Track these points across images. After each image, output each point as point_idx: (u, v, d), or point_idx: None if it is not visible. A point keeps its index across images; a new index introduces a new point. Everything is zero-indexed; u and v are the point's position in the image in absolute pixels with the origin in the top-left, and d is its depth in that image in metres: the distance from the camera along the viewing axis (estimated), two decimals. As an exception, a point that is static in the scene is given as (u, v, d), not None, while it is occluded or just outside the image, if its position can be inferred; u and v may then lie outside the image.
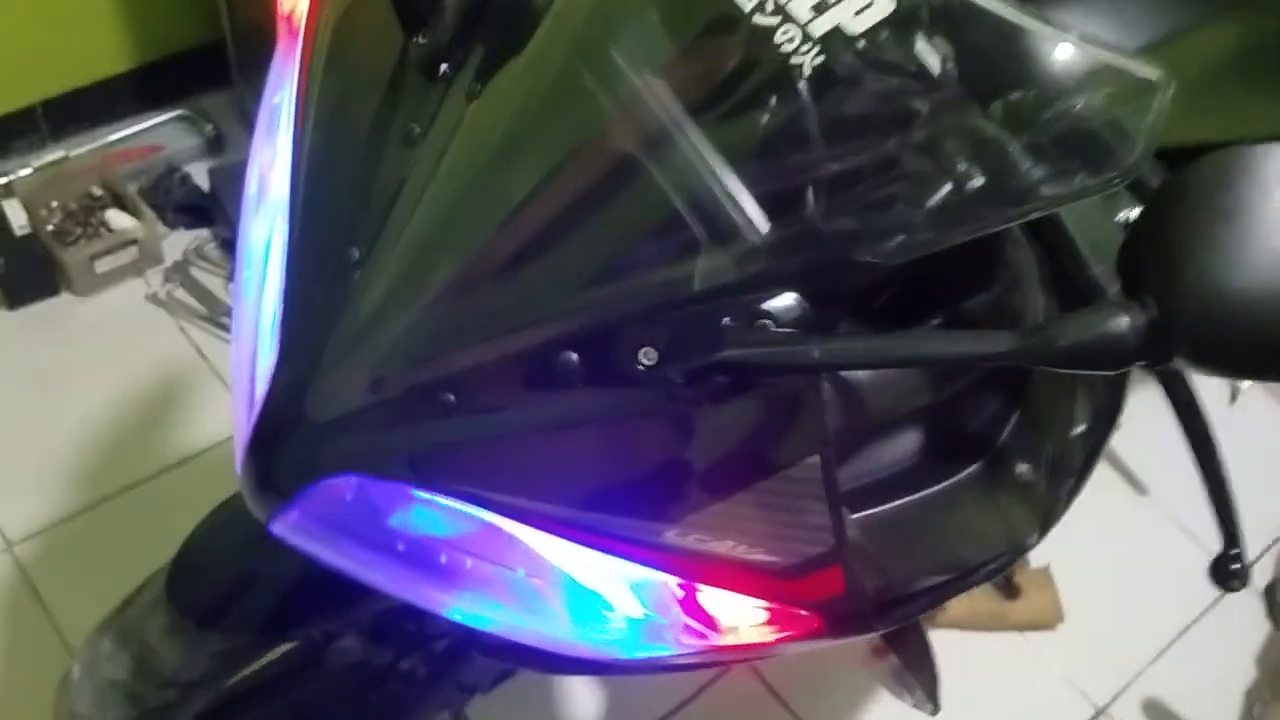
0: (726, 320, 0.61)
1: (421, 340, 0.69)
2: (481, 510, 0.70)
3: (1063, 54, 0.59)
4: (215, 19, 1.99)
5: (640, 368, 0.63)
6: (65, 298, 1.89)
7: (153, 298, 1.91)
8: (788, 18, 0.61)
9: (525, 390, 0.68)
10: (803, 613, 0.67)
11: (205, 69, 2.09)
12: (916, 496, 0.76)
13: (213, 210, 2.00)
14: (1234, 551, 0.83)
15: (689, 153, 0.65)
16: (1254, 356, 0.51)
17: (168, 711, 1.00)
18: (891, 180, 0.66)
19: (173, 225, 1.99)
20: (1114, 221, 0.71)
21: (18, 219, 1.83)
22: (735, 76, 0.66)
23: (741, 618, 0.69)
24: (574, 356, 0.66)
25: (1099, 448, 0.86)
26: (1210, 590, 1.83)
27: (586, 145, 0.68)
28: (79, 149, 1.99)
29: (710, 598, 0.69)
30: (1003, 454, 0.79)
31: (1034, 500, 0.80)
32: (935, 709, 1.05)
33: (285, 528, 0.75)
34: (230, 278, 1.95)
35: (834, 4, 0.62)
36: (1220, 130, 0.77)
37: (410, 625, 1.23)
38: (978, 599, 1.64)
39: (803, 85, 0.64)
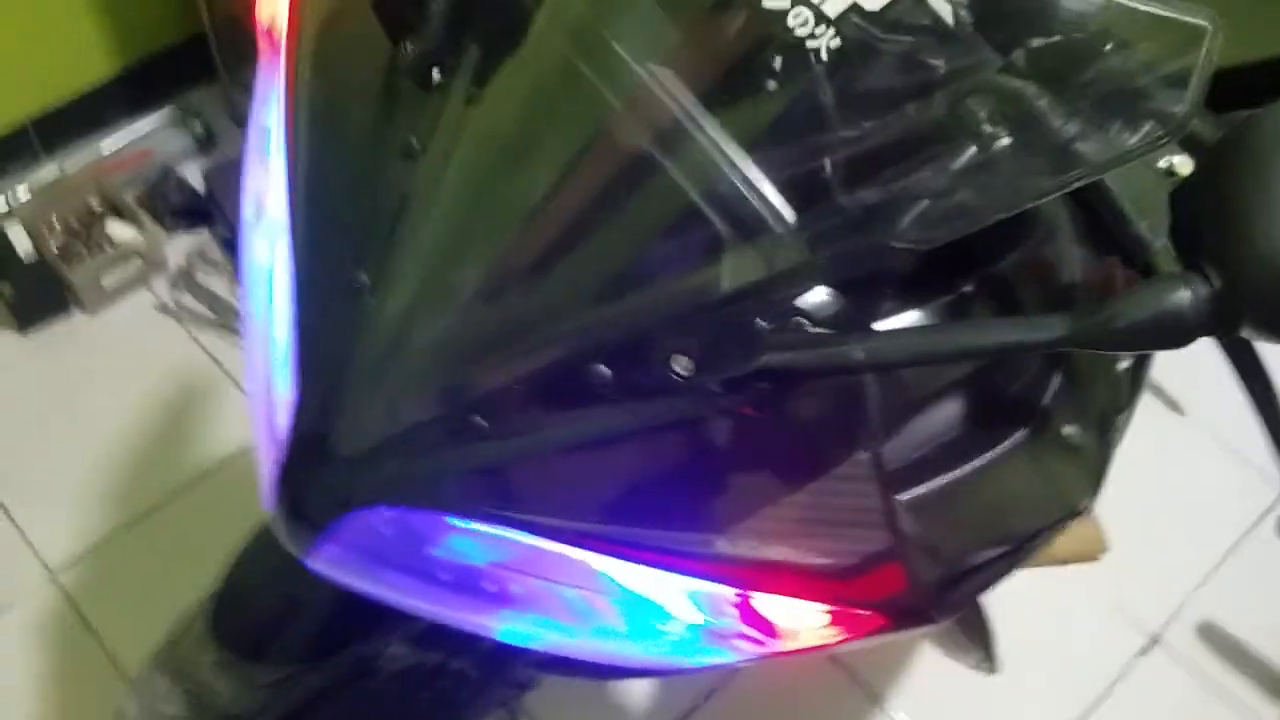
0: (761, 323, 0.58)
1: (445, 364, 0.67)
2: (523, 534, 0.68)
3: (1100, 6, 0.56)
4: (194, 14, 1.95)
5: (675, 377, 0.61)
6: (75, 316, 1.87)
7: (161, 307, 1.89)
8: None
9: (557, 407, 0.66)
10: (864, 612, 0.65)
11: (189, 65, 2.04)
12: (963, 470, 0.73)
13: (211, 210, 1.97)
14: None
15: (705, 145, 0.62)
16: None
17: (225, 743, 0.99)
18: (921, 155, 0.63)
19: (172, 229, 1.96)
20: (1155, 170, 0.67)
21: (22, 243, 1.80)
22: (747, 62, 0.63)
23: (801, 621, 0.67)
24: (605, 369, 0.63)
25: (1144, 377, 0.84)
26: (1255, 506, 1.82)
27: (596, 145, 0.65)
28: (73, 162, 1.96)
29: (767, 604, 0.66)
30: (1048, 416, 0.76)
31: (1083, 460, 0.78)
32: (994, 668, 1.04)
33: (322, 562, 0.74)
34: (234, 279, 1.92)
35: None
36: (1258, 47, 0.74)
37: (456, 628, 1.22)
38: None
39: (820, 68, 0.61)
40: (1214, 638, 1.70)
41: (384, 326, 0.68)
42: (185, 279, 1.90)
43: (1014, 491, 0.75)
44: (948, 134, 0.62)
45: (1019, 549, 0.73)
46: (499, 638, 0.77)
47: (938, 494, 0.71)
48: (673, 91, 0.63)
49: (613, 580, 0.70)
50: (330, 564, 0.74)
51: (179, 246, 1.95)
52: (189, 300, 1.90)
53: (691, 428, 0.63)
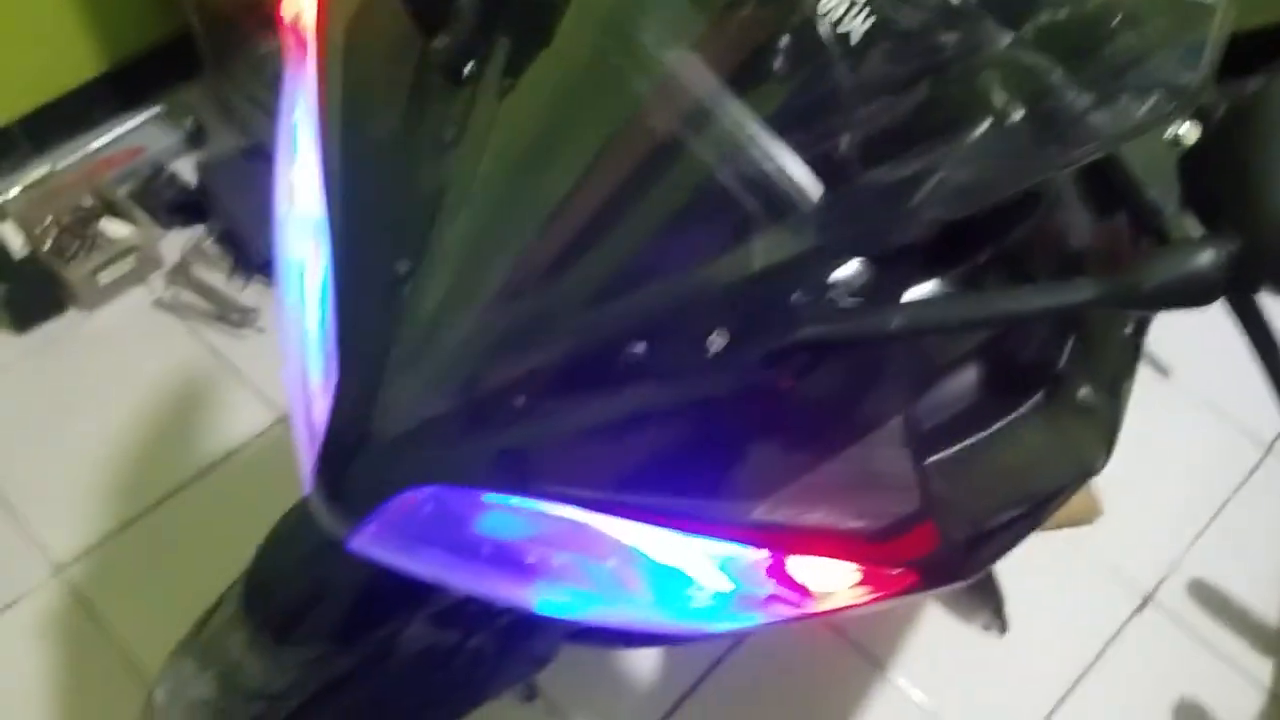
0: (796, 296, 0.61)
1: (485, 346, 0.69)
2: (563, 506, 0.70)
3: None
4: (179, 11, 1.95)
5: (711, 353, 0.63)
6: (72, 315, 1.88)
7: (159, 303, 1.90)
8: None
9: (594, 386, 0.68)
10: (896, 571, 0.68)
11: (176, 62, 2.05)
12: (982, 435, 0.76)
13: (204, 205, 1.97)
14: None
15: (732, 128, 0.64)
16: None
17: (260, 723, 1.01)
18: (939, 131, 0.66)
19: (167, 226, 1.97)
20: (1164, 139, 0.70)
21: (15, 242, 1.81)
22: (773, 47, 0.65)
23: (832, 582, 0.69)
24: (641, 347, 0.65)
25: (1143, 343, 0.87)
26: (1241, 466, 1.87)
27: (628, 130, 0.67)
28: (63, 162, 1.96)
29: (800, 567, 0.69)
30: (1063, 380, 0.79)
31: (1097, 422, 0.81)
32: (1004, 628, 1.07)
33: (362, 543, 0.76)
34: (230, 272, 1.93)
35: None
36: (1256, 13, 0.76)
37: (474, 606, 1.25)
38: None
39: (844, 50, 0.63)
40: (1205, 596, 1.74)
41: (423, 312, 0.70)
42: (182, 274, 1.91)
43: (1032, 453, 0.78)
44: (964, 109, 0.65)
45: (1039, 508, 0.76)
46: (535, 610, 0.80)
47: (958, 458, 0.74)
48: (701, 77, 0.65)
49: (642, 552, 0.72)
50: (370, 545, 0.76)
51: (174, 242, 1.96)
52: (187, 295, 1.90)
53: (727, 401, 0.66)
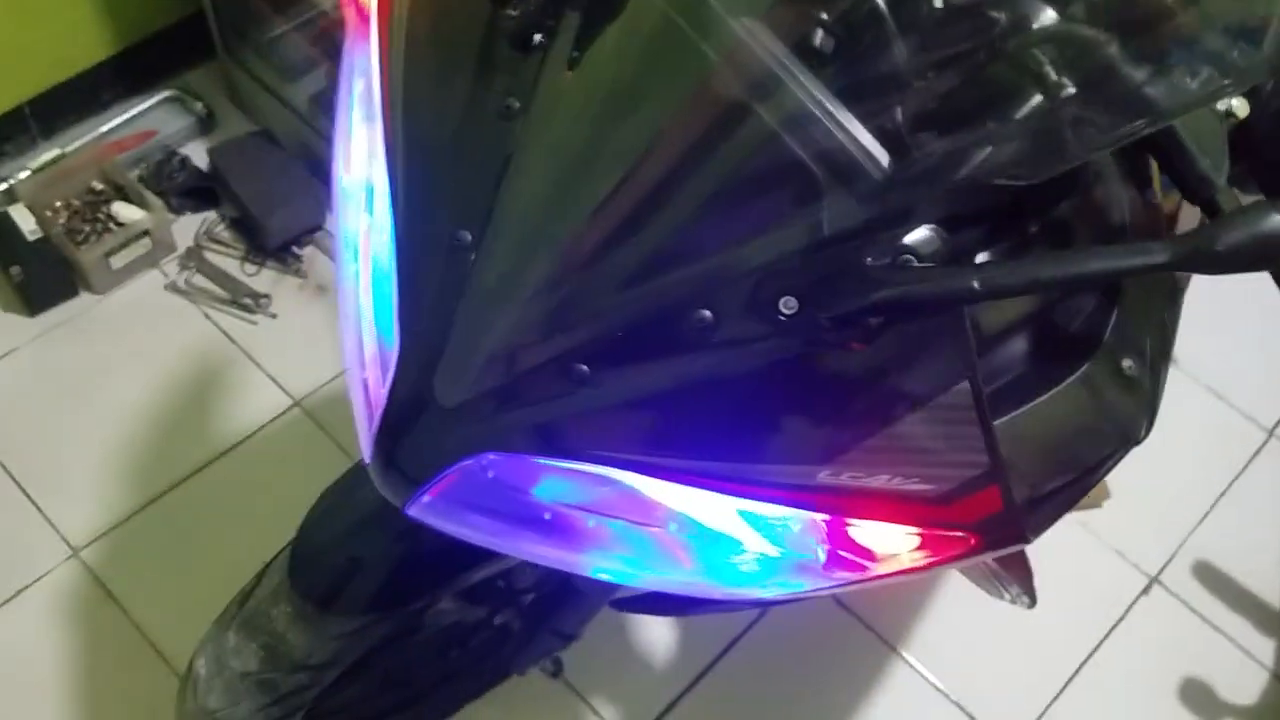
0: (871, 260, 0.62)
1: (550, 314, 0.70)
2: (623, 472, 0.71)
3: None
4: (193, -8, 1.95)
5: (782, 317, 0.64)
6: (84, 298, 1.87)
7: (171, 287, 1.90)
8: None
9: (660, 351, 0.69)
10: (958, 534, 0.69)
11: (186, 45, 2.05)
12: (1033, 404, 0.77)
13: (216, 190, 1.98)
14: None
15: (800, 96, 0.65)
16: None
17: (301, 694, 1.02)
18: (996, 103, 0.67)
19: (179, 211, 1.97)
20: (1215, 111, 0.72)
21: (26, 224, 1.80)
22: (840, 16, 0.67)
23: (894, 546, 0.71)
24: (707, 313, 0.67)
25: (1177, 322, 0.89)
26: (1244, 450, 1.89)
27: (696, 98, 0.68)
28: (73, 144, 1.96)
29: (862, 531, 0.71)
30: (1109, 351, 0.81)
31: (1140, 393, 0.82)
32: (1032, 602, 1.09)
33: (420, 510, 0.76)
34: (243, 257, 1.94)
35: None
36: None
37: (500, 582, 1.26)
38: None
39: (911, 20, 0.65)
40: (1210, 577, 1.77)
41: (487, 280, 0.71)
42: (195, 258, 1.91)
43: (1078, 422, 0.79)
44: (1021, 82, 0.66)
45: (1087, 474, 0.77)
46: (589, 575, 0.81)
47: (1010, 426, 0.76)
48: (768, 45, 0.66)
49: (703, 517, 0.73)
50: (429, 511, 0.77)
51: (186, 226, 1.96)
52: (199, 280, 1.90)
53: (794, 365, 0.67)
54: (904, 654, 1.64)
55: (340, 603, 0.98)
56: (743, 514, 0.73)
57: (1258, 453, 1.91)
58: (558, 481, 0.75)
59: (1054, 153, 0.63)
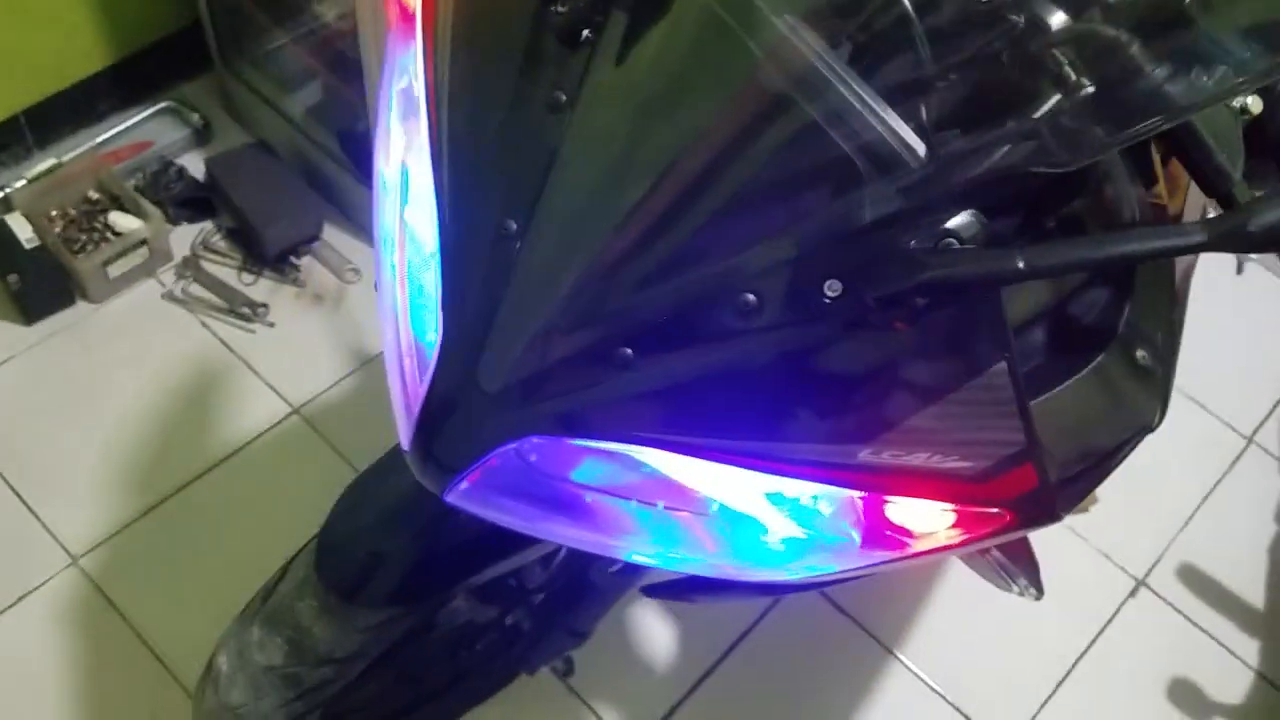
0: (915, 243, 0.65)
1: (595, 300, 0.72)
2: (666, 453, 0.73)
3: None
4: (190, 3, 1.96)
5: (827, 300, 0.67)
6: (81, 307, 1.88)
7: (169, 296, 1.90)
8: None
9: (704, 335, 0.71)
10: (993, 511, 0.72)
11: (183, 57, 2.06)
12: (1051, 393, 0.80)
13: (213, 200, 1.98)
14: None
15: (840, 89, 0.68)
16: None
17: (325, 688, 1.03)
18: (1020, 98, 0.70)
19: (175, 221, 1.97)
20: (1230, 108, 0.75)
21: (23, 232, 1.80)
22: (880, 14, 0.70)
23: (932, 523, 0.73)
24: (751, 297, 0.69)
25: (1183, 317, 0.92)
26: (1226, 456, 1.94)
27: (741, 92, 0.71)
28: (69, 154, 1.97)
29: (899, 509, 0.73)
30: (1122, 342, 0.84)
31: (1153, 382, 0.86)
32: (1040, 594, 1.12)
33: (458, 497, 0.78)
34: (240, 266, 1.94)
35: None
36: None
37: (512, 581, 1.28)
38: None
39: (940, 15, 0.68)
40: (1194, 580, 1.81)
41: (533, 267, 0.73)
42: (192, 268, 1.92)
43: (1098, 409, 0.82)
44: (1037, 83, 0.69)
45: (1106, 459, 0.80)
46: (625, 558, 0.83)
47: (1040, 410, 0.78)
48: (810, 41, 0.69)
49: (740, 498, 0.75)
50: (466, 498, 0.78)
51: (182, 237, 1.97)
52: (196, 289, 1.91)
53: (838, 347, 0.70)
54: (901, 656, 1.67)
55: (366, 595, 0.99)
56: (772, 496, 0.76)
57: (1238, 459, 1.96)
58: (597, 464, 0.77)
59: (1073, 148, 0.66)
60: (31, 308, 1.83)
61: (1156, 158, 0.94)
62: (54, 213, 1.88)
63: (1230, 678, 1.72)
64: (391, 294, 0.84)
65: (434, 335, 0.79)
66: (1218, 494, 1.91)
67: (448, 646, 1.32)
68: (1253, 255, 1.38)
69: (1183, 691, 1.69)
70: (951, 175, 0.67)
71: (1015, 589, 1.14)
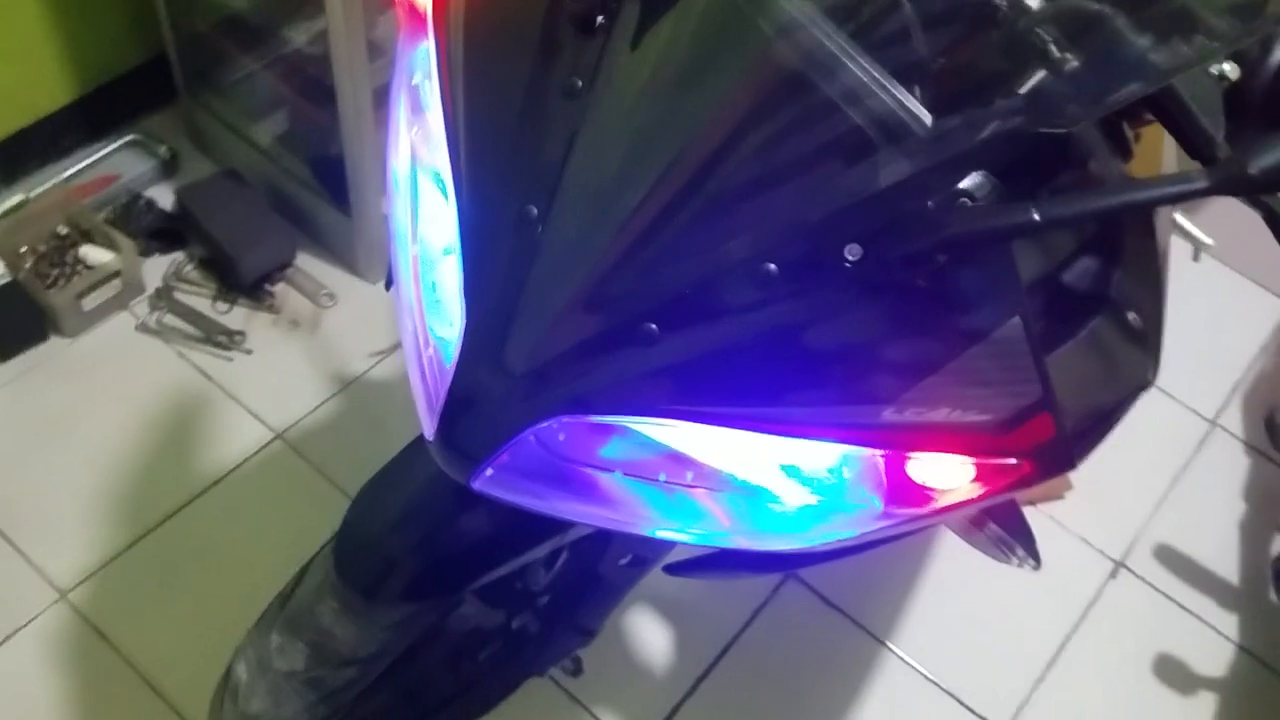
0: (932, 203, 0.68)
1: (619, 278, 0.74)
2: (691, 424, 0.75)
3: None
4: (154, 35, 1.97)
5: (848, 263, 0.70)
6: (55, 342, 1.86)
7: (143, 327, 1.90)
8: None
9: (726, 306, 0.73)
10: (1012, 462, 0.74)
11: (148, 89, 2.06)
12: (1050, 357, 0.83)
13: (183, 231, 1.98)
14: None
15: (849, 64, 0.71)
16: None
17: (348, 689, 1.03)
18: (1011, 71, 0.74)
19: (146, 252, 1.97)
20: (1210, 74, 0.79)
21: (-5, 268, 1.79)
22: None
23: (953, 479, 0.76)
24: (772, 266, 0.71)
25: (1166, 279, 0.96)
26: (1190, 438, 2.00)
27: (753, 70, 0.74)
28: (37, 190, 1.96)
29: (921, 466, 0.76)
30: (1114, 306, 0.87)
31: (1146, 342, 0.89)
32: (1037, 564, 1.15)
33: (484, 483, 0.79)
34: (214, 295, 1.94)
35: None
36: None
37: (517, 584, 1.28)
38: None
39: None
40: (1171, 559, 1.86)
41: (557, 251, 0.75)
42: (165, 298, 1.91)
43: (1096, 369, 0.86)
44: (1023, 59, 0.73)
45: (1108, 416, 0.83)
46: (650, 535, 0.85)
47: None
48: (818, 20, 0.72)
49: (751, 478, 0.78)
50: (493, 484, 0.79)
51: (152, 269, 1.96)
52: (171, 319, 1.90)
53: (859, 311, 0.72)
54: (893, 648, 1.69)
55: (387, 592, 0.99)
56: (787, 468, 0.78)
57: (1203, 441, 2.02)
58: (621, 442, 0.79)
59: (1066, 112, 0.70)
60: (4, 344, 1.81)
61: (1130, 134, 0.98)
62: (24, 249, 1.87)
63: (1212, 652, 1.76)
64: (408, 288, 0.86)
65: (447, 330, 0.81)
66: (1187, 476, 1.97)
67: (455, 655, 1.33)
68: (1209, 243, 1.43)
69: (1168, 667, 1.73)
70: (958, 139, 0.70)
71: (1014, 560, 1.17)
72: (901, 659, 1.68)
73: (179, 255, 1.98)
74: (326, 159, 1.88)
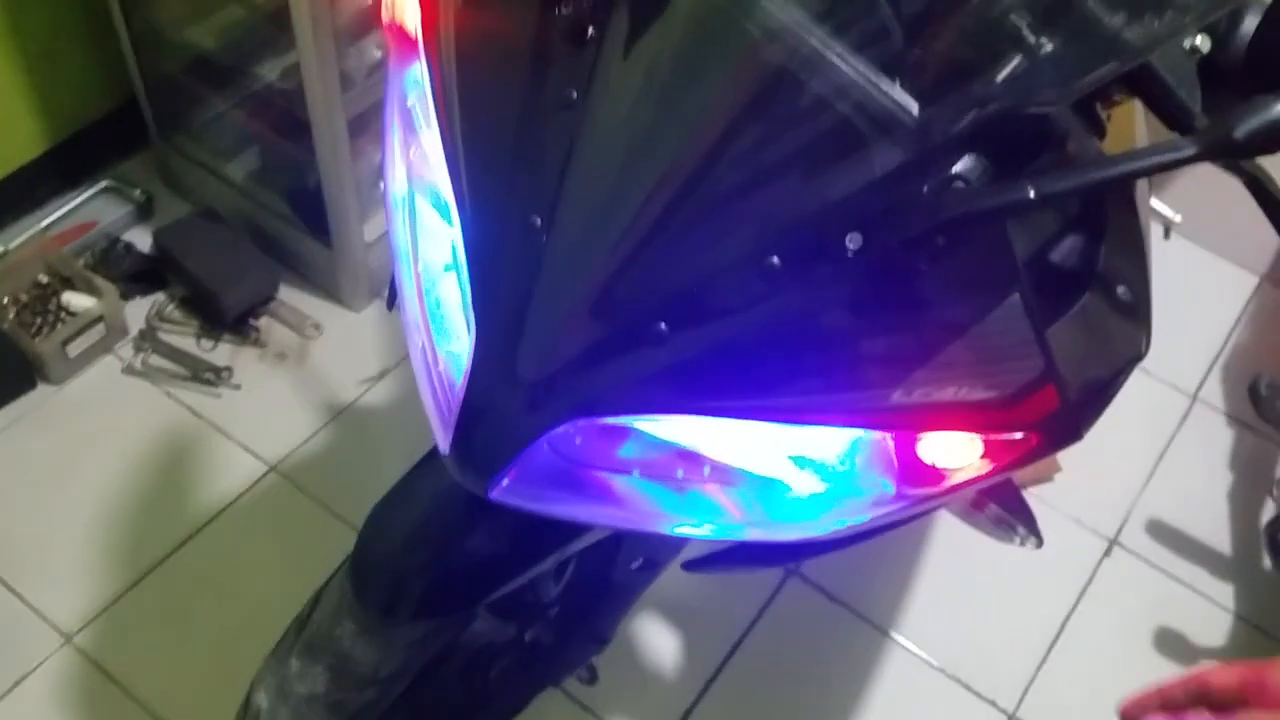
0: (929, 187, 0.70)
1: (625, 280, 0.75)
2: (706, 419, 0.77)
3: None
4: (123, 81, 1.97)
5: (850, 252, 0.71)
6: (43, 389, 1.86)
7: (129, 370, 1.89)
8: None
9: (733, 301, 0.75)
10: (1019, 436, 0.76)
11: (120, 135, 2.06)
12: (1054, 327, 0.85)
13: (163, 272, 1.98)
14: None
15: (835, 60, 0.73)
16: None
17: (370, 710, 1.04)
18: (990, 59, 0.76)
19: (128, 295, 1.96)
20: (1183, 48, 0.82)
21: (-22, 320, 1.79)
22: None
23: (962, 456, 0.78)
24: (775, 259, 0.73)
25: (1150, 263, 0.98)
26: (1173, 414, 2.03)
27: (743, 71, 0.75)
28: (14, 241, 1.95)
29: (930, 447, 0.77)
30: (1103, 281, 0.89)
31: (1137, 315, 0.91)
32: (1040, 542, 1.17)
33: (501, 493, 0.80)
34: (198, 333, 1.94)
35: None
36: None
37: (529, 596, 1.29)
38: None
39: None
40: (1163, 533, 1.88)
41: (562, 258, 0.77)
42: (149, 340, 1.91)
43: (1089, 343, 0.88)
44: (998, 47, 0.75)
45: (1106, 387, 0.85)
46: (665, 534, 0.86)
47: None
48: (803, 21, 0.74)
49: (761, 470, 0.79)
50: (510, 493, 0.80)
51: (134, 311, 1.96)
52: (156, 360, 1.90)
53: (863, 297, 0.74)
54: (896, 637, 1.71)
55: (404, 610, 1.00)
56: (797, 459, 0.80)
57: (1185, 417, 2.05)
58: (636, 443, 0.80)
59: (1039, 100, 0.72)
60: (-8, 396, 1.81)
61: (1103, 113, 1.00)
62: (5, 299, 1.87)
63: (1211, 622, 1.79)
64: (414, 305, 0.87)
65: (454, 345, 0.82)
66: (1172, 451, 2.00)
67: (468, 672, 1.33)
68: (1177, 219, 1.46)
69: (1169, 640, 1.76)
70: (945, 126, 0.72)
71: (1016, 539, 1.19)
72: (906, 648, 1.70)
73: (160, 296, 1.98)
74: (303, 191, 1.89)
